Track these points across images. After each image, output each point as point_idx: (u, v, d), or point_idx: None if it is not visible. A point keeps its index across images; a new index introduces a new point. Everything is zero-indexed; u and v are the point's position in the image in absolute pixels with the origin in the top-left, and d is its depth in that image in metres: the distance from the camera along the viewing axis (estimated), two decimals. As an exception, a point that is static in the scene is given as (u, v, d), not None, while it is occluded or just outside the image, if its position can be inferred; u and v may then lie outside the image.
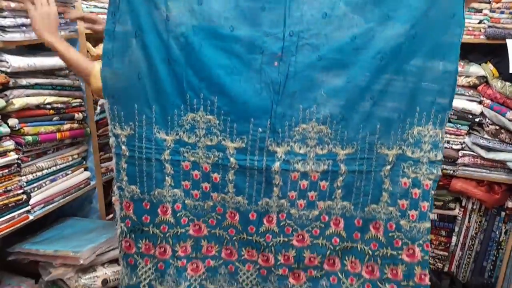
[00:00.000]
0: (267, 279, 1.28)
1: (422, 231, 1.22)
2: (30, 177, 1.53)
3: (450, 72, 1.16)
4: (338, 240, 1.24)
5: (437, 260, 2.41)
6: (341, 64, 1.16)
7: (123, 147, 1.23)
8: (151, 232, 1.27)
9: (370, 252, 1.25)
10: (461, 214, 2.27)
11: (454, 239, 2.32)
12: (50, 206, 1.63)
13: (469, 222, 2.27)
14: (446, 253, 2.37)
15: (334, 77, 1.17)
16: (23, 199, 1.49)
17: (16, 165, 1.46)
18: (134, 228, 1.29)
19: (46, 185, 1.60)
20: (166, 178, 1.23)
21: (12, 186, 1.45)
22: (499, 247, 2.23)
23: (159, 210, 1.25)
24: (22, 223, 1.49)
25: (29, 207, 1.51)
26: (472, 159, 2.15)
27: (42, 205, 1.59)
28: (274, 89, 1.17)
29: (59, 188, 1.66)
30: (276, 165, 1.18)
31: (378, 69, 1.15)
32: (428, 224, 1.22)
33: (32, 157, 1.55)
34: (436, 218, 2.33)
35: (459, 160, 2.17)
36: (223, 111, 1.18)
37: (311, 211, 1.21)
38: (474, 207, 2.24)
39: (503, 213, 2.18)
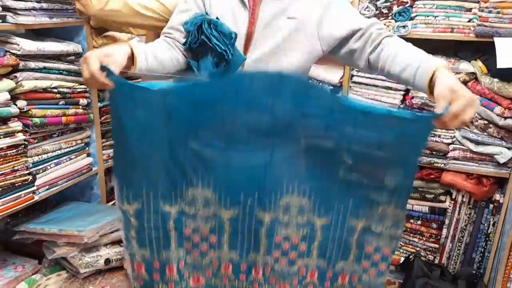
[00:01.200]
0: None
1: (379, 284, 1.37)
2: (36, 159, 1.57)
3: (408, 175, 1.27)
4: (312, 287, 1.39)
5: (428, 252, 2.48)
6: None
7: (132, 219, 1.30)
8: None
9: None
10: (451, 207, 2.35)
11: (444, 231, 2.39)
12: (54, 188, 1.67)
13: (459, 214, 2.34)
14: (437, 245, 2.44)
15: (314, 166, 1.27)
16: (29, 179, 1.53)
17: (23, 146, 1.50)
18: (146, 285, 1.37)
19: (50, 168, 1.65)
20: (171, 242, 1.33)
21: (19, 166, 1.49)
22: (487, 239, 2.31)
23: (166, 269, 1.34)
24: (27, 202, 1.53)
25: (34, 188, 1.55)
26: (462, 153, 2.24)
27: (47, 187, 1.63)
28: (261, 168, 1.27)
29: (63, 172, 1.71)
30: (263, 230, 1.31)
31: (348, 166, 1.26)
32: (384, 279, 1.38)
33: (38, 139, 1.59)
34: (427, 210, 2.40)
35: (450, 154, 2.26)
36: (218, 187, 1.29)
37: (291, 267, 1.35)
38: (464, 199, 2.32)
39: (491, 206, 2.26)
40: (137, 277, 1.37)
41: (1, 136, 1.41)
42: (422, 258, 2.47)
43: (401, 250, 2.54)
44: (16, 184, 1.48)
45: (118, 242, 1.66)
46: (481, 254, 2.34)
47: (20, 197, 1.50)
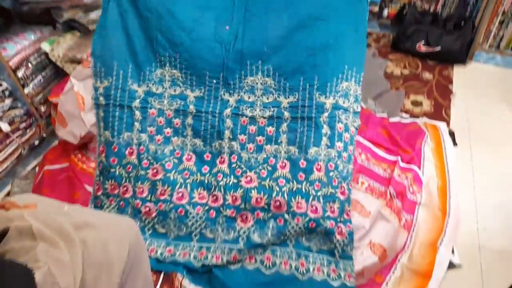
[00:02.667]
0: (215, 221, 1.30)
1: (350, 171, 1.35)
2: None
3: (361, 41, 1.43)
4: (284, 181, 1.31)
5: (424, 1, 2.51)
6: (280, 25, 1.38)
7: (101, 98, 1.42)
8: (117, 173, 1.38)
9: (314, 192, 1.29)
10: None
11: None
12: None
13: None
14: (433, -6, 2.45)
15: (275, 37, 1.39)
16: None
17: None
18: (103, 169, 1.39)
19: None
20: (135, 123, 1.40)
21: None
22: (484, -21, 2.28)
23: (126, 152, 1.39)
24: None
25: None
26: None
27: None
28: (225, 47, 1.39)
29: None
30: (228, 110, 1.37)
31: (311, 28, 1.38)
32: (352, 166, 1.37)
33: None
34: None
35: None
36: (184, 65, 1.39)
37: (259, 154, 1.35)
38: None
39: None
40: (99, 163, 1.42)
41: None
42: (418, 9, 2.52)
43: (398, 4, 2.57)
44: None
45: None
46: (476, -1, 2.36)
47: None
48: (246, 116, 1.37)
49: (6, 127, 1.55)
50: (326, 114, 1.33)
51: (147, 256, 0.97)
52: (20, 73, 1.62)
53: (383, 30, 2.70)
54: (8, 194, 1.59)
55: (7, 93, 1.58)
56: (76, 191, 1.45)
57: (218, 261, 1.23)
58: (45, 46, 1.69)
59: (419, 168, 1.59)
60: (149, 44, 1.41)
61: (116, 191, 1.38)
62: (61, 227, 0.78)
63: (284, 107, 1.36)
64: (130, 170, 1.37)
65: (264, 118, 1.36)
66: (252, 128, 1.36)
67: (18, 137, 1.62)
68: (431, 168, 1.62)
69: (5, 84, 1.57)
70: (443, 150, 1.71)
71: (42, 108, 1.73)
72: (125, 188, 1.37)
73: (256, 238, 1.26)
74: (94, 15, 1.71)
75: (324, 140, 1.32)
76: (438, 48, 2.31)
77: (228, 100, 1.39)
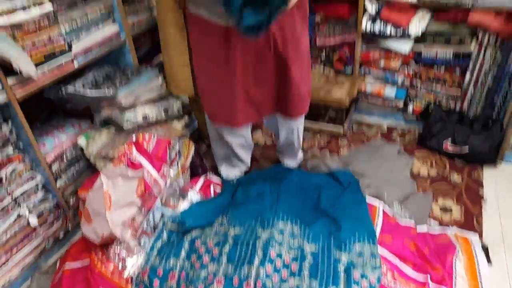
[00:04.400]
0: None
1: None
2: (67, 27, 1.70)
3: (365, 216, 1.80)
4: None
5: (449, 98, 2.54)
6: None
7: (166, 230, 1.72)
8: None
9: None
10: (476, 50, 2.30)
11: (467, 76, 2.40)
12: (90, 55, 1.83)
13: (483, 58, 2.31)
14: (458, 93, 2.48)
15: (304, 211, 1.86)
16: (66, 48, 1.69)
17: (53, 15, 1.62)
18: None
19: (82, 35, 1.78)
20: (182, 251, 1.64)
21: (54, 35, 1.63)
22: (511, 81, 2.30)
23: (169, 276, 1.54)
24: (69, 70, 1.71)
25: (72, 55, 1.72)
26: (493, -13, 2.09)
27: (83, 54, 1.79)
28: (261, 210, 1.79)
29: (95, 39, 1.84)
30: (260, 243, 1.59)
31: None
32: None
33: (65, 9, 1.69)
34: (451, 56, 2.38)
35: (480, -10, 2.12)
36: (231, 219, 1.78)
37: (283, 284, 1.49)
38: (490, 41, 2.25)
39: (519, 45, 2.20)
40: (139, 283, 1.55)
41: (32, 6, 1.52)
42: (443, 106, 2.54)
43: (423, 100, 2.61)
44: (55, 53, 1.65)
45: (152, 101, 1.87)
46: (503, 98, 2.37)
47: (62, 65, 1.68)
48: (274, 251, 1.56)
49: (34, 221, 1.58)
50: (342, 265, 1.53)
51: None
52: (54, 167, 1.68)
53: (409, 124, 2.72)
54: (27, 290, 1.58)
55: (40, 186, 1.63)
56: (94, 296, 1.42)
57: None
58: (82, 141, 1.76)
59: (451, 288, 1.50)
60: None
61: None
62: None
63: (307, 252, 1.59)
64: None
65: (289, 256, 1.57)
66: (278, 262, 1.54)
67: (45, 231, 1.64)
68: (464, 287, 1.53)
69: (39, 178, 1.62)
70: (476, 266, 1.62)
71: (71, 200, 1.77)
72: None
73: None
74: (129, 114, 1.79)
75: (342, 282, 1.48)
76: (466, 149, 2.28)
77: (261, 236, 1.62)
